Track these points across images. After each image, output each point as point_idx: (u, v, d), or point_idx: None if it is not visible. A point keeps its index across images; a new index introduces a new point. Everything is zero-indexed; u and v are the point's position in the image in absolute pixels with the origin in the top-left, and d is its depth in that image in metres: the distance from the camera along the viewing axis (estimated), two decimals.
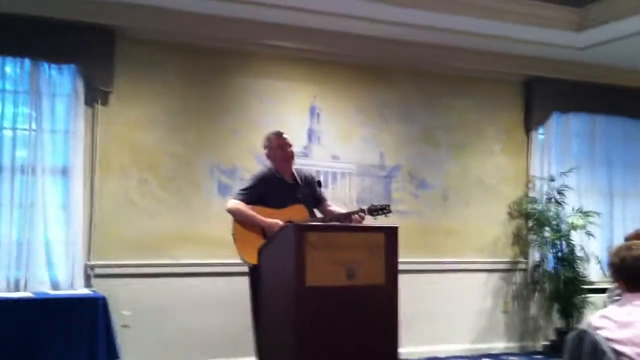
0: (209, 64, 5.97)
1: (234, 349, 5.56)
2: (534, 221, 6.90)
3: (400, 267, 3.96)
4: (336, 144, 6.38)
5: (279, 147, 4.80)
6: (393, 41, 6.38)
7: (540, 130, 7.18)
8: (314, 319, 3.75)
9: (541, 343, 6.94)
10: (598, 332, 2.79)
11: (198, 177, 5.89)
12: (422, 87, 6.74)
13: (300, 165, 5.08)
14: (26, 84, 5.38)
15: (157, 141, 5.78)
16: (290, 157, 4.82)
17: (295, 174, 4.84)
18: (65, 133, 5.48)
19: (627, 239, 3.43)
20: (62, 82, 5.51)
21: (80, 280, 5.37)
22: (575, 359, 2.83)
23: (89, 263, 5.47)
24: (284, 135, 4.86)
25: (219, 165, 5.95)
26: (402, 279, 3.94)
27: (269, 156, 4.87)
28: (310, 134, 6.29)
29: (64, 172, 5.47)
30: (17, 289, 5.15)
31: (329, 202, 4.94)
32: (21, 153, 5.36)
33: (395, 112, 6.62)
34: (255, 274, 4.49)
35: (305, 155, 6.15)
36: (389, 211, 4.58)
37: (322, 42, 6.22)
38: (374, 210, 4.57)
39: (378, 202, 4.83)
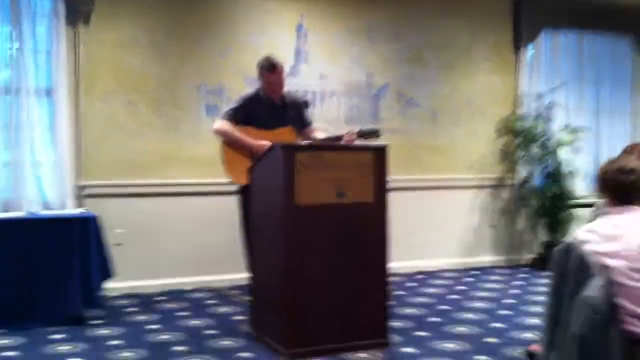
0: None
1: (225, 266, 5.68)
2: (521, 138, 6.92)
3: (389, 184, 3.99)
4: (323, 64, 6.31)
5: (271, 82, 4.67)
6: None
7: (530, 48, 7.11)
8: (304, 236, 3.79)
9: (528, 256, 7.04)
10: (584, 245, 2.84)
11: (185, 98, 5.84)
12: (411, 7, 6.62)
13: (287, 84, 4.97)
14: (6, 2, 5.24)
15: (142, 62, 5.70)
16: (280, 90, 4.73)
17: (284, 97, 4.79)
18: (48, 53, 5.38)
19: (625, 150, 3.39)
20: (42, 0, 5.36)
21: (70, 200, 5.38)
22: (561, 272, 2.89)
23: (78, 183, 5.48)
24: (278, 68, 4.67)
25: (206, 85, 5.89)
26: (391, 197, 3.97)
27: (260, 81, 4.75)
28: (298, 54, 6.21)
29: (49, 93, 5.40)
30: (8, 210, 5.15)
31: (313, 127, 4.89)
32: (4, 74, 5.27)
33: (384, 32, 6.52)
34: (244, 194, 4.51)
35: (293, 74, 6.07)
36: (379, 135, 4.49)
37: None
38: (363, 134, 4.49)
39: (367, 125, 4.77)
